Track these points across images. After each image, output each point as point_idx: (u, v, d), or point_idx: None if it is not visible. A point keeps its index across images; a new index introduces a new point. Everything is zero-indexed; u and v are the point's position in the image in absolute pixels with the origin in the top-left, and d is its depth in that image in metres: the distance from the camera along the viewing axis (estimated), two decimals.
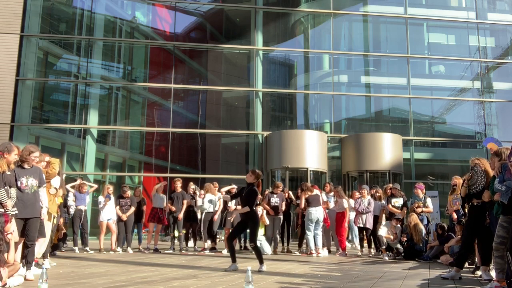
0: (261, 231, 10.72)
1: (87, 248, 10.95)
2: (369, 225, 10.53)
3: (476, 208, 6.33)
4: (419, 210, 10.07)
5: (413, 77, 21.27)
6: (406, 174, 19.42)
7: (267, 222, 10.80)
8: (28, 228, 5.75)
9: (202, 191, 11.49)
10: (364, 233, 10.87)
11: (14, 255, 5.55)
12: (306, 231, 10.25)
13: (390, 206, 10.57)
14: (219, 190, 11.55)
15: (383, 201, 11.01)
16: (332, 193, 11.23)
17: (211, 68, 23.03)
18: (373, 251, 10.77)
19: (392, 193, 10.73)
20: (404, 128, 20.53)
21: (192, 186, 12.05)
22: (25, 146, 6.02)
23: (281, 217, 11.04)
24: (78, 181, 11.55)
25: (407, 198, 11.04)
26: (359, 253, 10.85)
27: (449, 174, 19.49)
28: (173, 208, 11.08)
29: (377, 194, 11.04)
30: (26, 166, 5.83)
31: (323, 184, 13.18)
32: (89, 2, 20.39)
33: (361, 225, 10.59)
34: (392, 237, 9.93)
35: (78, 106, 19.58)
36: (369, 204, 10.56)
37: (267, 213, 10.90)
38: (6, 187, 5.38)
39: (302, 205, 10.45)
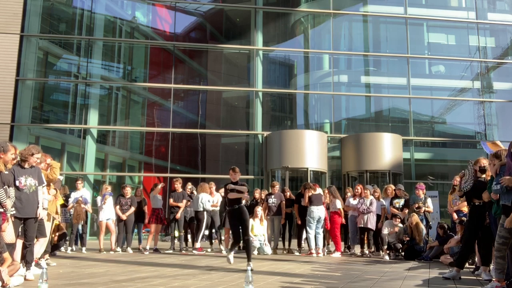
0: (261, 231, 10.73)
1: (84, 249, 10.95)
2: (371, 225, 10.48)
3: (477, 208, 6.34)
4: (422, 210, 10.09)
5: (413, 77, 21.27)
6: (406, 174, 19.41)
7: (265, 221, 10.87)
8: (26, 228, 5.74)
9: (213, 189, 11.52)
10: (366, 234, 10.83)
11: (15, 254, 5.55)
12: (308, 229, 10.23)
13: (392, 208, 10.53)
14: (217, 191, 11.60)
15: (381, 199, 10.99)
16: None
17: (211, 68, 23.02)
18: (372, 249, 10.75)
19: (396, 194, 10.71)
20: (404, 128, 20.52)
21: (189, 186, 12.03)
22: (28, 147, 6.04)
23: (282, 217, 11.04)
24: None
25: (410, 198, 10.99)
26: (360, 253, 10.84)
27: (449, 174, 19.51)
28: (178, 204, 11.04)
29: (376, 193, 11.00)
30: (26, 165, 5.84)
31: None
32: (89, 2, 20.38)
33: (362, 225, 10.56)
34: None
35: (78, 106, 19.57)
36: (371, 204, 10.50)
37: (267, 213, 10.93)
38: (5, 187, 5.38)
39: (306, 202, 10.41)
